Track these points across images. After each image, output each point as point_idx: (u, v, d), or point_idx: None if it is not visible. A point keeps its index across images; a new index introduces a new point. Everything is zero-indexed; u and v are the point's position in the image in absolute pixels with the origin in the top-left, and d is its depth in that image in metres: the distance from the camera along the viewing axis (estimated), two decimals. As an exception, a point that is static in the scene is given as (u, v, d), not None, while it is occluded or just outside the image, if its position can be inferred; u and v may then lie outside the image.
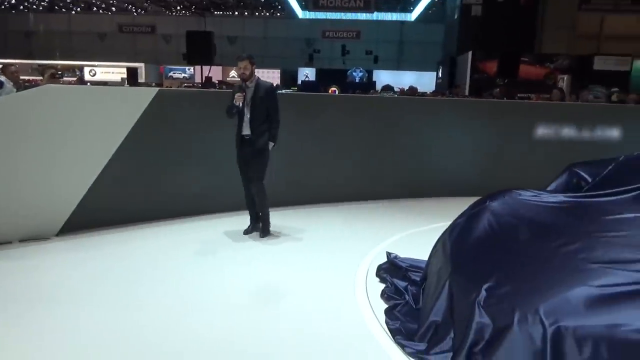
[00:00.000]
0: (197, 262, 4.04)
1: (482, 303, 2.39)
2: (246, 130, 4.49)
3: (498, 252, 2.72)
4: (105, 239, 4.48)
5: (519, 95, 14.54)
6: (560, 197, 3.06)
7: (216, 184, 5.23)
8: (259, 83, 4.53)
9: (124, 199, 4.80)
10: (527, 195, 3.08)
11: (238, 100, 4.41)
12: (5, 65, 5.99)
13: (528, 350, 2.17)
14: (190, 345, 2.73)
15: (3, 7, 29.09)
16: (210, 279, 3.71)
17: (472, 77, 18.72)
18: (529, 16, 19.27)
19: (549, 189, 3.38)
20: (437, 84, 24.59)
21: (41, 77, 5.94)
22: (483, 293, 2.42)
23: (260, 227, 4.74)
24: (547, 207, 2.96)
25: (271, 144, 4.57)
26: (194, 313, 3.13)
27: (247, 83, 4.49)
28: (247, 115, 4.48)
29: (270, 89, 4.59)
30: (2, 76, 5.44)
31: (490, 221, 2.93)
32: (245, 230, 4.75)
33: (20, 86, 5.16)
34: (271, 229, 4.74)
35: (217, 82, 20.84)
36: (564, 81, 18.02)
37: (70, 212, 4.48)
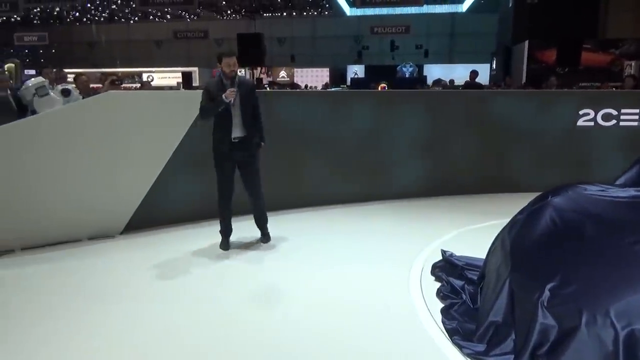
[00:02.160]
0: (257, 258, 4.14)
1: (545, 303, 2.29)
2: (237, 132, 4.08)
3: (562, 250, 2.59)
4: (167, 238, 4.67)
5: (581, 84, 13.78)
6: (631, 192, 2.87)
7: (275, 182, 5.30)
8: (241, 79, 4.16)
9: (182, 198, 4.97)
10: (593, 189, 2.91)
11: (230, 96, 3.94)
12: (77, 74, 6.37)
13: (598, 354, 2.06)
14: (257, 340, 2.80)
15: (68, 19, 31.08)
16: (271, 275, 3.79)
17: (528, 67, 17.88)
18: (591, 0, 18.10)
19: (617, 182, 3.16)
20: (491, 76, 23.74)
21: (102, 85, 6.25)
22: (547, 293, 2.31)
23: (262, 238, 4.51)
24: (617, 202, 2.78)
25: (262, 144, 4.31)
26: (257, 310, 3.19)
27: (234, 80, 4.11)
28: (237, 115, 4.07)
29: (253, 86, 4.31)
30: (70, 85, 5.77)
31: (553, 217, 2.78)
32: (222, 244, 4.34)
33: (90, 94, 5.45)
34: (322, 226, 4.69)
35: (267, 82, 21.14)
36: (631, 67, 16.84)
37: (133, 211, 4.71)
